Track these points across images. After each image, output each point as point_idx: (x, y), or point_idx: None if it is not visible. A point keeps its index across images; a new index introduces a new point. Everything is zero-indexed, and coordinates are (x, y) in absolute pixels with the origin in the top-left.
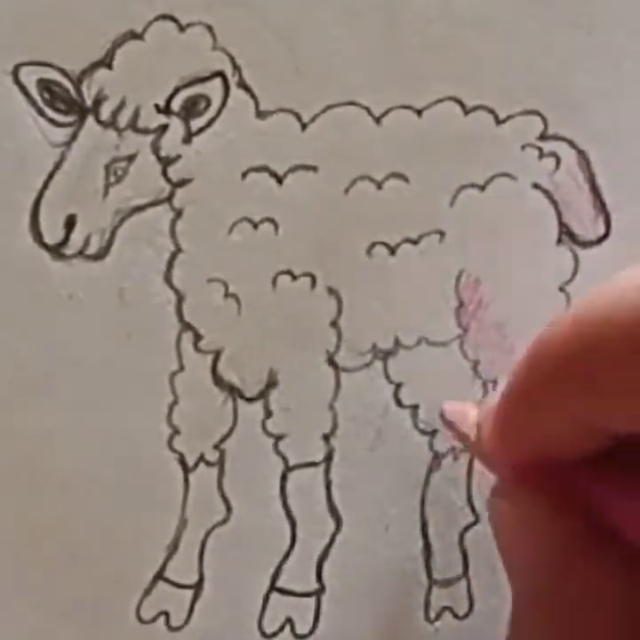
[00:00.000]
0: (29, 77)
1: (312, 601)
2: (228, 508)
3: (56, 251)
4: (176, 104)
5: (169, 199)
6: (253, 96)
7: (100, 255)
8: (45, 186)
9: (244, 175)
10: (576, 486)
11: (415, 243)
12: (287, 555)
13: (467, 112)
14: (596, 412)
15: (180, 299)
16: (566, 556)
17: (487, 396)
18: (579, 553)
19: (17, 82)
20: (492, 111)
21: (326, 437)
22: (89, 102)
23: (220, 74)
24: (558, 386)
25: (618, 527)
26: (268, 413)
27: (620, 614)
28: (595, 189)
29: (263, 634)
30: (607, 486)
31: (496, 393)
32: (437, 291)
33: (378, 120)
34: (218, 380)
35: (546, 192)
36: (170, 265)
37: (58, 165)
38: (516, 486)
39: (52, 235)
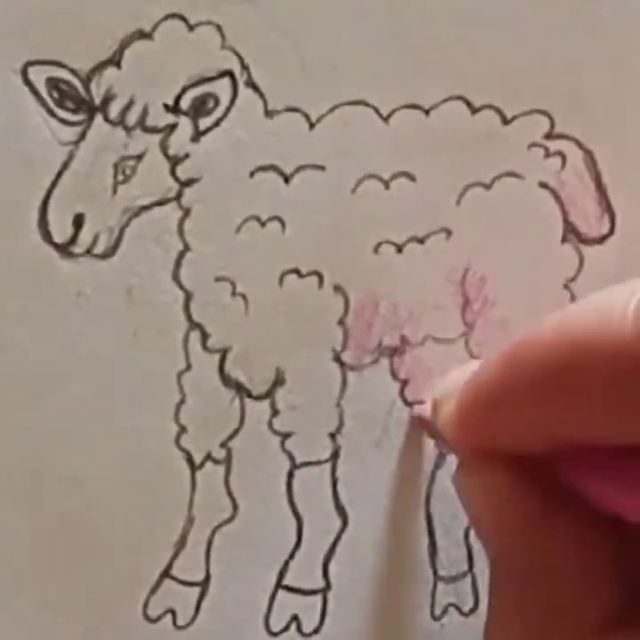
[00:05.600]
0: (38, 76)
1: (318, 599)
2: (235, 506)
3: (64, 249)
4: (184, 103)
5: (177, 198)
6: (262, 95)
7: (107, 254)
8: (54, 184)
9: (252, 174)
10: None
11: (422, 241)
12: (293, 552)
13: (474, 111)
14: (561, 424)
15: (188, 297)
16: (527, 521)
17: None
18: (539, 520)
19: (26, 80)
20: (498, 110)
21: (333, 435)
22: (97, 101)
23: (229, 73)
24: (529, 395)
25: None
26: (275, 412)
27: (583, 577)
28: (600, 188)
29: (269, 632)
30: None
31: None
32: (443, 289)
33: (385, 119)
34: (225, 378)
35: (552, 191)
36: (178, 263)
37: (66, 164)
38: (477, 461)
39: (61, 233)
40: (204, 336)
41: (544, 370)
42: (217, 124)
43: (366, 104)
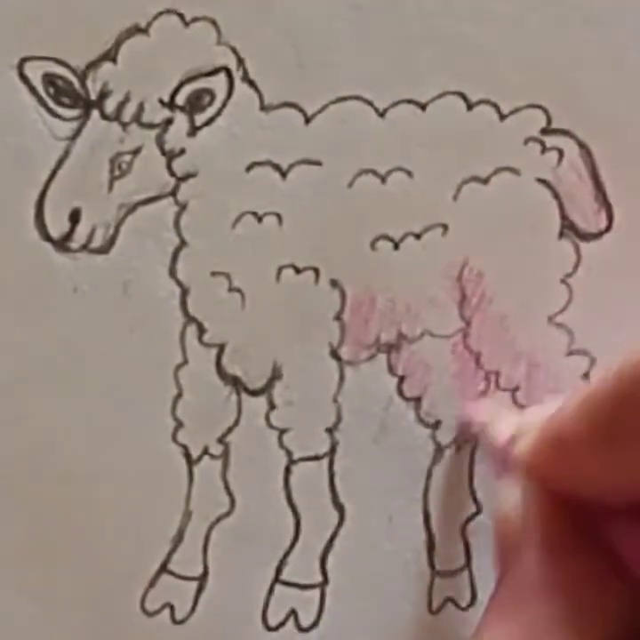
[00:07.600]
0: (34, 72)
1: (316, 593)
2: (232, 501)
3: (61, 244)
4: (180, 98)
5: (173, 193)
6: (258, 90)
7: (104, 249)
8: (50, 180)
9: (249, 169)
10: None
11: (418, 236)
12: (291, 547)
13: (470, 106)
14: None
15: (185, 292)
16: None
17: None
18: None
19: (22, 76)
20: (495, 105)
21: (330, 430)
22: (94, 96)
23: (225, 68)
24: (603, 440)
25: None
26: (272, 406)
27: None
28: (597, 183)
29: (267, 626)
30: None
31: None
32: (440, 284)
33: (382, 114)
34: (222, 373)
35: (549, 186)
36: (174, 258)
37: (62, 159)
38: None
39: (57, 228)
40: (201, 331)
41: (616, 415)
42: (213, 119)
43: (362, 99)
